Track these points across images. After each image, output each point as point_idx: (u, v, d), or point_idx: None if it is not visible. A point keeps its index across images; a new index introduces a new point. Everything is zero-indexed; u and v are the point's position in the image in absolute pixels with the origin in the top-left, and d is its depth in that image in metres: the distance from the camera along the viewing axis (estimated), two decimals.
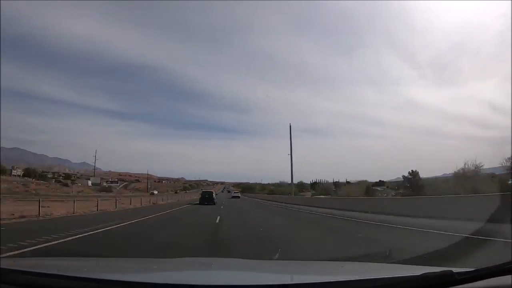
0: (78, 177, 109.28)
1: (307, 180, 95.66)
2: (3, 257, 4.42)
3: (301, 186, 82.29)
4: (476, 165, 28.39)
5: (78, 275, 1.58)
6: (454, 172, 30.44)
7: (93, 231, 9.28)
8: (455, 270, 1.43)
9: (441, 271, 1.43)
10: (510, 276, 1.31)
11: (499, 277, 1.33)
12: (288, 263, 3.31)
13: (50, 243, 6.89)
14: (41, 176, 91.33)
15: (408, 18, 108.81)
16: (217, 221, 12.90)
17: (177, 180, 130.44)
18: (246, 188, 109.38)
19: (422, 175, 43.90)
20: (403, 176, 48.54)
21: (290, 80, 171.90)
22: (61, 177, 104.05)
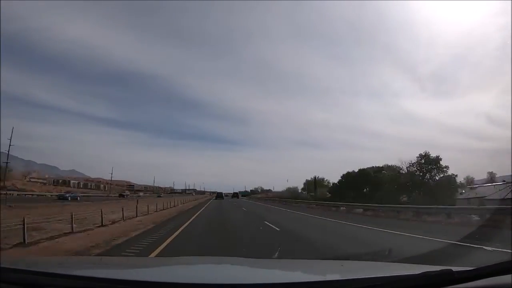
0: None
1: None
2: (3, 256, 4.41)
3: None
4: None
5: (79, 274, 1.57)
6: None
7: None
8: (454, 269, 1.43)
9: (440, 270, 1.42)
10: (510, 275, 1.31)
11: (499, 276, 1.33)
12: (288, 262, 3.33)
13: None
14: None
15: (411, 31, 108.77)
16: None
17: (160, 188, 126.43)
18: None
19: None
20: None
21: (289, 90, 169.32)
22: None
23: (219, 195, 55.90)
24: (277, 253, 5.10)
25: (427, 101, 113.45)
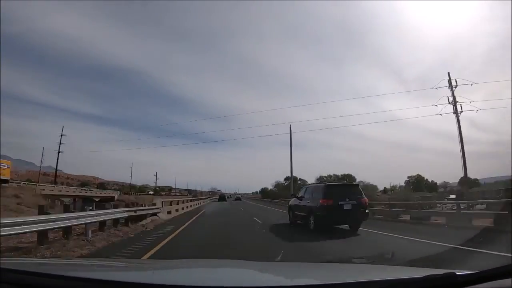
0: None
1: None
2: (3, 257, 4.42)
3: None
4: None
5: (79, 275, 1.57)
6: None
7: None
8: (458, 272, 1.42)
9: (444, 273, 1.42)
10: None
11: (503, 280, 1.32)
12: (289, 265, 3.31)
13: None
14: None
15: (401, 34, 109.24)
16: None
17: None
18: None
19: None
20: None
21: (277, 90, 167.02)
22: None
23: (221, 197, 56.40)
24: (280, 256, 5.09)
25: (410, 104, 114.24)
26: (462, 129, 28.20)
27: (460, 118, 28.44)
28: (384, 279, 1.60)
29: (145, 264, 3.03)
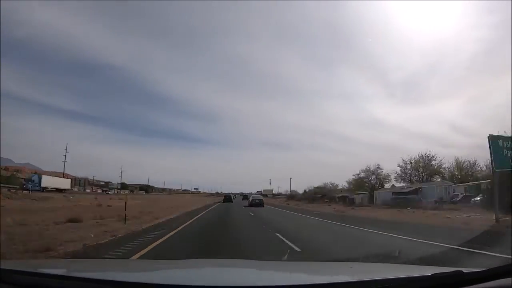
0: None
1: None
2: (4, 258, 4.46)
3: None
4: None
5: (80, 276, 1.57)
6: None
7: None
8: (465, 270, 1.43)
9: (451, 271, 1.42)
10: None
11: (510, 278, 1.33)
12: (297, 264, 3.30)
13: None
14: None
15: (388, 37, 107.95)
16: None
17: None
18: None
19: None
20: None
21: (263, 90, 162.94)
22: None
23: (227, 198, 49.56)
24: (286, 255, 5.10)
25: (395, 107, 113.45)
26: (443, 133, 27.64)
27: (439, 121, 27.76)
28: (390, 277, 1.61)
29: (147, 265, 3.02)
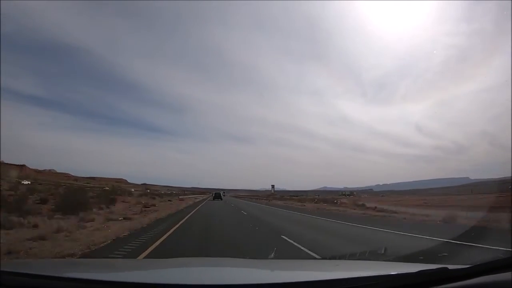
0: None
1: (224, 186, 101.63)
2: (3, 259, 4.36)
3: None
4: None
5: (77, 276, 1.56)
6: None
7: None
8: (450, 267, 1.44)
9: (436, 268, 1.44)
10: (508, 272, 1.32)
11: (495, 274, 1.34)
12: (284, 262, 3.33)
13: None
14: None
15: (365, 39, 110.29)
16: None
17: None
18: None
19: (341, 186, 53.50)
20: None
21: (234, 82, 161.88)
22: None
23: (217, 195, 56.18)
24: (273, 253, 5.10)
25: (364, 106, 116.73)
26: (406, 133, 29.32)
27: (406, 122, 29.22)
28: (376, 274, 1.61)
29: (142, 264, 3.03)
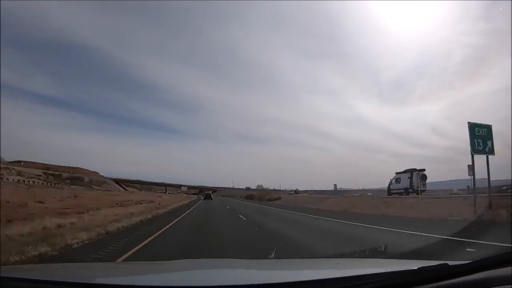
0: None
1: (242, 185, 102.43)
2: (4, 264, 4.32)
3: None
4: None
5: (76, 281, 1.55)
6: None
7: None
8: (451, 263, 1.44)
9: (437, 265, 1.44)
10: (508, 267, 1.32)
11: (496, 269, 1.34)
12: (284, 262, 3.33)
13: None
14: None
15: (385, 37, 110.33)
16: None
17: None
18: None
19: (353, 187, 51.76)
20: None
21: (249, 82, 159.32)
22: None
23: (207, 196, 53.96)
24: (273, 253, 5.10)
25: (380, 106, 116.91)
26: (423, 134, 29.06)
27: (421, 123, 29.04)
28: (377, 272, 1.61)
29: (139, 267, 3.00)
